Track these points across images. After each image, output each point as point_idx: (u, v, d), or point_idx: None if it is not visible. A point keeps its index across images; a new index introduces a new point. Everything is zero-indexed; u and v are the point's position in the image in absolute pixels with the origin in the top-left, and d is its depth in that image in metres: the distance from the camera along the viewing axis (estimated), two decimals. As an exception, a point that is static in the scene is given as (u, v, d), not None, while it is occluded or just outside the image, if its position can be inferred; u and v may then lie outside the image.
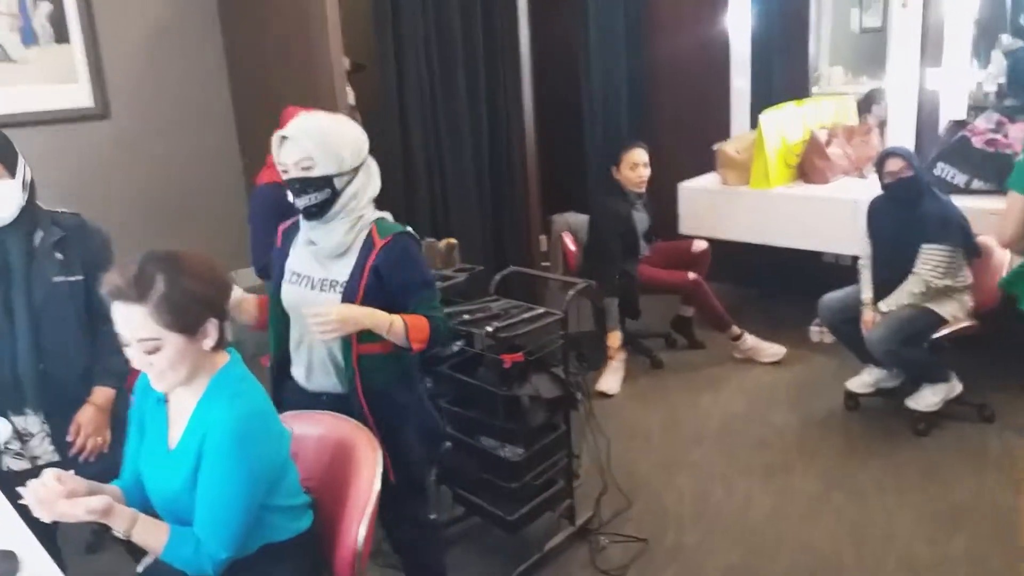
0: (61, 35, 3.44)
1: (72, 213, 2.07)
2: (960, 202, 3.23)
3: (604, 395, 3.65)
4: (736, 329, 3.92)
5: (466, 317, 2.45)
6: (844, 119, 4.36)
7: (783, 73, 4.59)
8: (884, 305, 3.18)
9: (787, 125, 4.11)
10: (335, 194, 1.85)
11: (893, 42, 4.17)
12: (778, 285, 4.64)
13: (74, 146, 3.52)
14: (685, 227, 4.31)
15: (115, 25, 3.57)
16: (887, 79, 4.30)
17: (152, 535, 1.48)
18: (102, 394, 2.05)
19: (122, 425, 2.06)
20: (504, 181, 4.22)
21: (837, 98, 4.45)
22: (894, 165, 3.14)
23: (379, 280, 1.87)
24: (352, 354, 1.89)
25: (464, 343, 2.60)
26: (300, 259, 1.95)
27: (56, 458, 2.02)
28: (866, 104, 4.47)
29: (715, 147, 4.33)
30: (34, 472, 1.48)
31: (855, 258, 3.50)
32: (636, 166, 3.82)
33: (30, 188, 1.97)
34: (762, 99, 4.49)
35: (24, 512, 1.50)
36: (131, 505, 1.57)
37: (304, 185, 1.83)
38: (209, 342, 1.49)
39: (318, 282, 1.91)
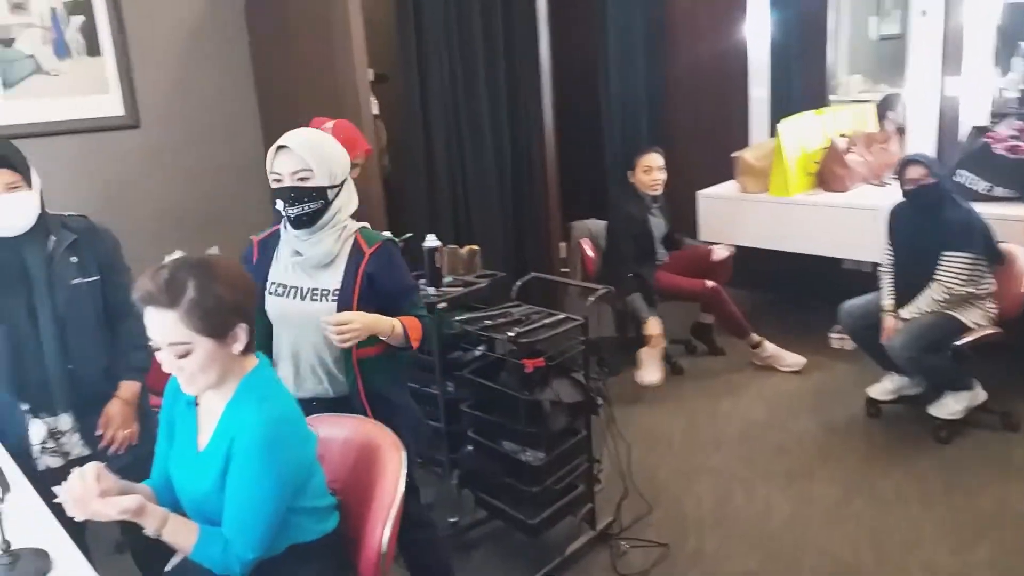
0: (93, 47, 3.52)
1: (79, 215, 2.10)
2: (982, 209, 3.22)
3: (646, 388, 3.70)
4: (755, 337, 3.92)
5: (488, 323, 2.48)
6: (863, 127, 4.36)
7: (802, 81, 4.59)
8: (905, 312, 3.17)
9: (806, 133, 4.11)
10: (326, 205, 1.92)
11: (913, 49, 4.16)
12: (798, 292, 4.63)
13: (105, 155, 3.59)
14: (704, 234, 4.32)
15: (145, 37, 3.64)
16: (907, 86, 4.28)
17: (182, 534, 1.50)
18: (128, 388, 2.12)
19: (146, 417, 2.16)
20: (525, 189, 4.25)
21: (856, 106, 4.44)
22: (915, 172, 3.13)
23: (371, 286, 1.95)
24: (353, 358, 1.96)
25: (486, 348, 2.63)
26: (284, 270, 1.98)
27: (87, 451, 2.07)
28: (881, 111, 4.46)
29: (734, 155, 4.34)
30: (68, 468, 1.51)
31: (875, 265, 3.49)
32: (651, 170, 3.86)
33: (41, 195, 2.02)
34: (781, 107, 4.50)
35: (56, 511, 1.53)
36: (160, 504, 1.60)
37: (300, 194, 1.88)
38: (238, 346, 1.51)
39: (307, 292, 1.96)
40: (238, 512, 1.50)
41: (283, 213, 1.91)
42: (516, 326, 2.43)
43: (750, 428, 3.41)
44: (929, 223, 3.13)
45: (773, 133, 4.27)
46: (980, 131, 3.73)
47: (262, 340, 2.01)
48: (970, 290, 3.10)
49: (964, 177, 3.62)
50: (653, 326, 3.80)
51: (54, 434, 2.05)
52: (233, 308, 1.50)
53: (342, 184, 1.95)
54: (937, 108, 4.10)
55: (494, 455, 2.52)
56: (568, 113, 4.84)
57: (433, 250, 2.54)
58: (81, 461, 1.92)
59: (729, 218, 4.25)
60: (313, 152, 1.90)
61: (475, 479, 2.63)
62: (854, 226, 3.84)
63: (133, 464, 2.12)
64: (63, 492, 1.44)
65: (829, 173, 4.13)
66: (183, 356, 1.46)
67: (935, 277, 3.10)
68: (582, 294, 2.81)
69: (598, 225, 4.13)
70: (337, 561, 1.67)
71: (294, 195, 1.88)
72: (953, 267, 3.07)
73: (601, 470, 2.69)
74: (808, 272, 4.35)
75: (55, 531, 1.57)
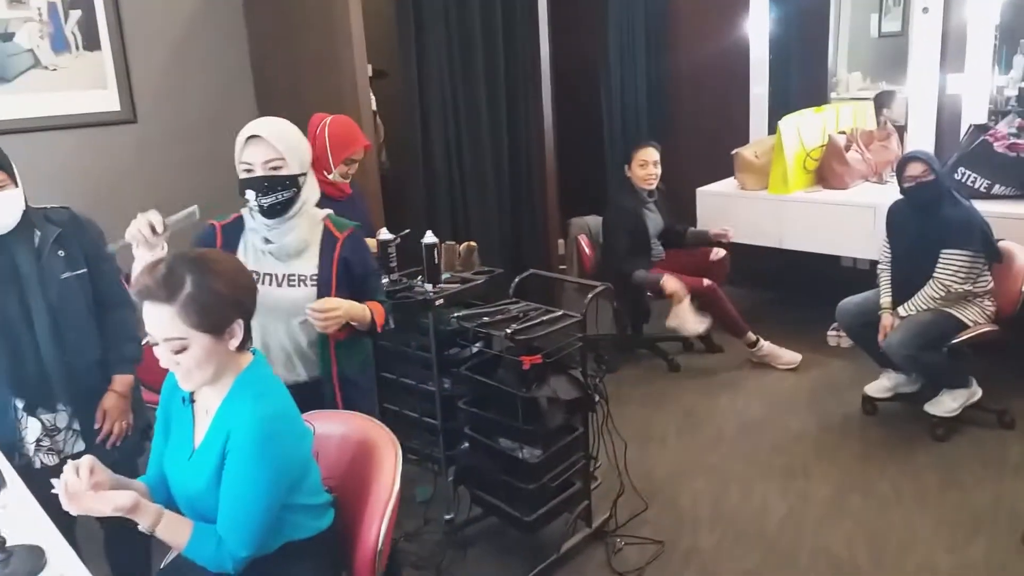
0: (91, 42, 3.51)
1: (61, 207, 2.09)
2: (981, 207, 3.22)
3: (694, 340, 3.90)
4: (752, 335, 3.92)
5: (485, 319, 2.47)
6: (863, 124, 4.35)
7: (802, 79, 4.60)
8: (903, 310, 3.17)
9: (806, 130, 4.11)
10: (298, 193, 1.95)
11: (914, 47, 4.16)
12: (796, 289, 4.63)
13: (102, 150, 3.59)
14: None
15: (144, 33, 3.63)
16: (907, 84, 4.28)
17: (176, 531, 1.50)
18: (122, 381, 2.13)
19: (138, 408, 2.18)
20: (523, 185, 4.25)
21: (856, 103, 4.44)
22: (914, 169, 3.13)
23: (347, 270, 2.02)
24: (330, 342, 2.01)
25: (483, 344, 2.63)
26: (254, 259, 2.00)
27: (82, 447, 2.08)
28: (876, 107, 4.46)
29: (734, 152, 4.34)
30: (62, 465, 1.51)
31: (873, 262, 3.50)
32: (646, 164, 3.87)
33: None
34: (781, 105, 4.50)
35: (49, 507, 1.53)
36: (156, 502, 1.59)
37: (273, 184, 1.91)
38: (235, 342, 1.51)
39: (282, 279, 1.99)
40: (232, 509, 1.49)
41: (254, 203, 1.92)
42: (513, 323, 2.42)
43: (747, 426, 3.41)
44: (928, 221, 3.13)
45: (773, 130, 4.27)
46: (980, 129, 3.73)
47: None
48: (968, 288, 3.10)
49: (964, 175, 3.62)
50: (671, 283, 3.79)
51: (50, 432, 2.05)
52: (231, 304, 1.49)
53: (306, 173, 1.99)
54: (937, 105, 4.10)
55: (491, 452, 2.52)
56: (568, 109, 4.84)
57: (431, 246, 2.54)
58: (73, 458, 1.94)
59: (728, 215, 4.24)
60: (284, 141, 1.93)
61: (471, 476, 2.62)
62: (853, 224, 3.84)
63: (127, 455, 2.15)
64: (60, 485, 1.44)
65: (829, 170, 4.13)
66: (179, 352, 1.46)
67: (934, 275, 3.10)
68: (580, 291, 2.80)
69: (596, 221, 4.14)
70: (332, 559, 1.67)
71: (267, 184, 1.90)
72: (952, 265, 3.07)
73: (597, 467, 2.69)
74: (806, 270, 4.35)
75: (49, 528, 1.57)
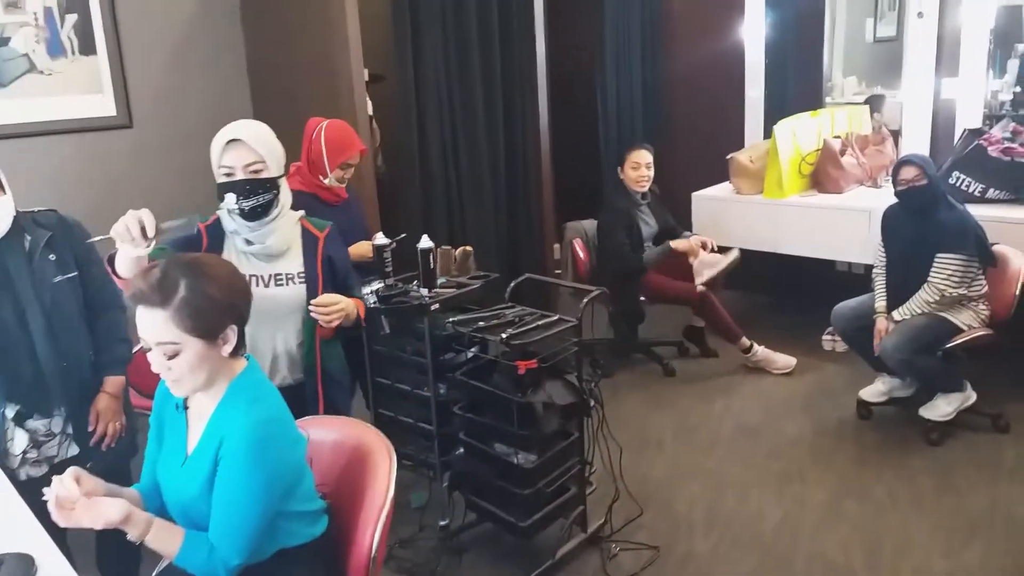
0: (87, 47, 3.51)
1: (48, 210, 2.09)
2: (975, 211, 3.23)
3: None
4: (746, 341, 3.92)
5: (481, 324, 2.47)
6: (858, 128, 4.36)
7: (797, 83, 4.61)
8: (898, 314, 3.18)
9: (801, 134, 4.12)
10: (277, 195, 1.98)
11: (909, 52, 4.18)
12: (791, 294, 4.64)
13: (98, 154, 3.58)
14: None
15: (140, 37, 3.63)
16: (902, 88, 4.30)
17: (166, 540, 1.48)
18: (113, 383, 2.14)
19: (128, 409, 2.21)
20: (519, 189, 4.25)
21: (851, 108, 4.45)
22: (908, 173, 3.13)
23: (331, 267, 2.10)
24: (316, 342, 2.06)
25: (478, 349, 2.63)
26: (236, 260, 2.00)
27: (75, 451, 2.08)
28: (870, 111, 4.48)
29: (729, 156, 4.34)
30: (51, 475, 1.50)
31: (868, 267, 3.50)
32: (638, 166, 3.88)
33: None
34: (776, 109, 4.51)
35: (41, 515, 1.52)
36: (149, 510, 1.59)
37: (255, 187, 1.93)
38: (228, 348, 1.50)
39: (269, 278, 2.03)
40: (225, 515, 1.48)
41: (234, 206, 1.93)
42: (509, 327, 2.42)
43: (742, 430, 3.42)
44: (923, 225, 3.14)
45: (768, 134, 4.27)
46: (974, 133, 3.74)
47: None
48: (963, 292, 3.11)
49: (958, 179, 3.63)
50: (680, 243, 3.85)
51: (37, 442, 2.04)
52: (224, 309, 1.49)
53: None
54: (931, 110, 4.11)
55: (486, 457, 2.52)
56: (564, 113, 4.84)
57: (427, 251, 2.54)
58: (65, 463, 1.93)
59: (724, 220, 4.25)
60: (264, 144, 1.95)
61: (466, 482, 2.62)
62: (848, 228, 3.85)
63: (120, 457, 2.15)
64: (50, 497, 1.42)
65: (824, 175, 4.14)
66: (172, 356, 1.45)
67: (928, 279, 3.11)
68: (576, 295, 2.81)
69: (593, 225, 4.14)
70: (326, 565, 1.65)
71: (249, 187, 1.93)
72: (946, 269, 3.07)
73: (593, 472, 2.69)
74: (802, 274, 4.36)
75: (40, 536, 1.56)
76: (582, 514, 2.64)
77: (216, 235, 2.04)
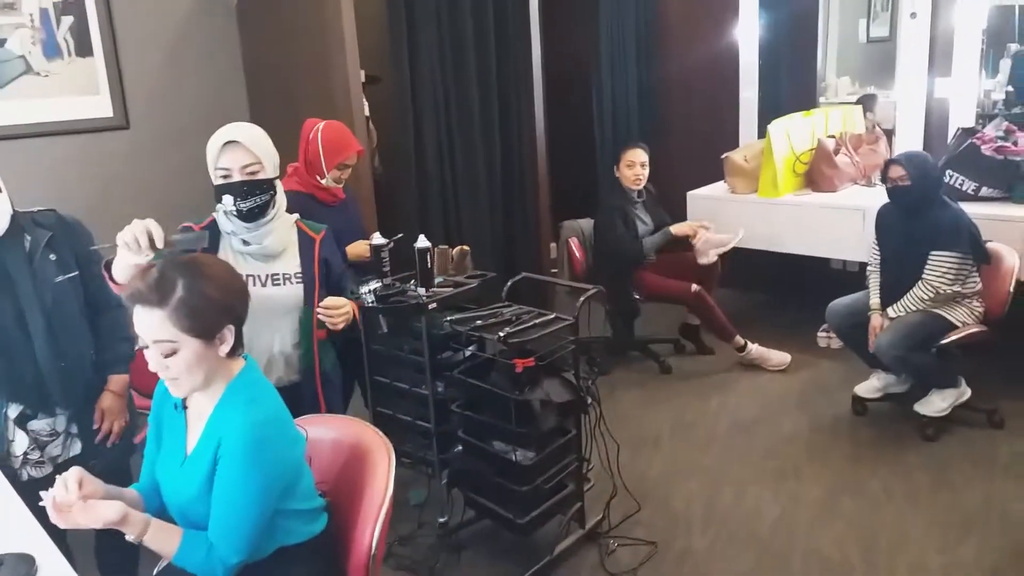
0: (83, 48, 3.51)
1: (47, 210, 2.09)
2: (969, 209, 3.24)
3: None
4: (740, 340, 3.94)
5: (478, 323, 2.48)
6: (852, 128, 4.39)
7: (791, 83, 4.63)
8: (892, 311, 3.20)
9: (795, 134, 4.13)
10: (274, 196, 2.00)
11: (902, 52, 4.20)
12: (786, 292, 4.66)
13: (95, 156, 3.58)
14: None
15: (136, 38, 3.63)
16: (896, 88, 4.32)
17: (164, 540, 1.48)
18: (117, 381, 2.16)
19: (131, 408, 2.22)
20: (515, 189, 4.26)
21: (845, 107, 4.47)
22: (894, 172, 3.18)
23: (327, 269, 2.13)
24: (314, 343, 2.08)
25: (476, 348, 2.64)
26: (233, 260, 2.01)
27: (78, 451, 2.09)
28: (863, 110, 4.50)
29: (724, 156, 4.36)
30: (52, 476, 1.51)
31: (863, 265, 3.52)
32: (633, 164, 3.89)
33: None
34: (770, 109, 4.53)
35: (42, 515, 1.53)
36: (149, 510, 1.60)
37: (252, 188, 1.95)
38: (225, 348, 1.51)
39: (266, 279, 2.04)
40: (223, 515, 1.49)
41: (232, 207, 1.94)
42: (506, 326, 2.43)
43: (738, 427, 3.43)
44: (916, 223, 3.16)
45: (762, 134, 4.29)
46: (967, 132, 3.76)
47: None
48: (957, 289, 3.13)
49: (952, 177, 3.65)
50: (680, 228, 3.89)
51: (40, 443, 2.05)
52: (221, 308, 1.49)
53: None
54: (925, 109, 4.13)
55: (484, 455, 2.53)
56: (560, 113, 4.86)
57: (424, 251, 2.54)
58: (67, 464, 1.94)
59: (719, 219, 4.26)
60: (260, 146, 1.97)
61: (464, 479, 2.63)
62: (842, 226, 3.87)
63: (122, 454, 2.16)
64: (47, 500, 1.43)
65: (818, 174, 4.15)
66: (169, 355, 1.45)
67: (922, 276, 3.13)
68: (572, 294, 2.82)
69: (589, 224, 4.15)
70: (325, 563, 1.66)
71: (247, 189, 1.94)
72: (940, 267, 3.09)
73: (590, 469, 2.70)
74: (797, 272, 4.37)
75: (40, 536, 1.56)
76: (580, 510, 2.64)
77: (212, 237, 2.03)
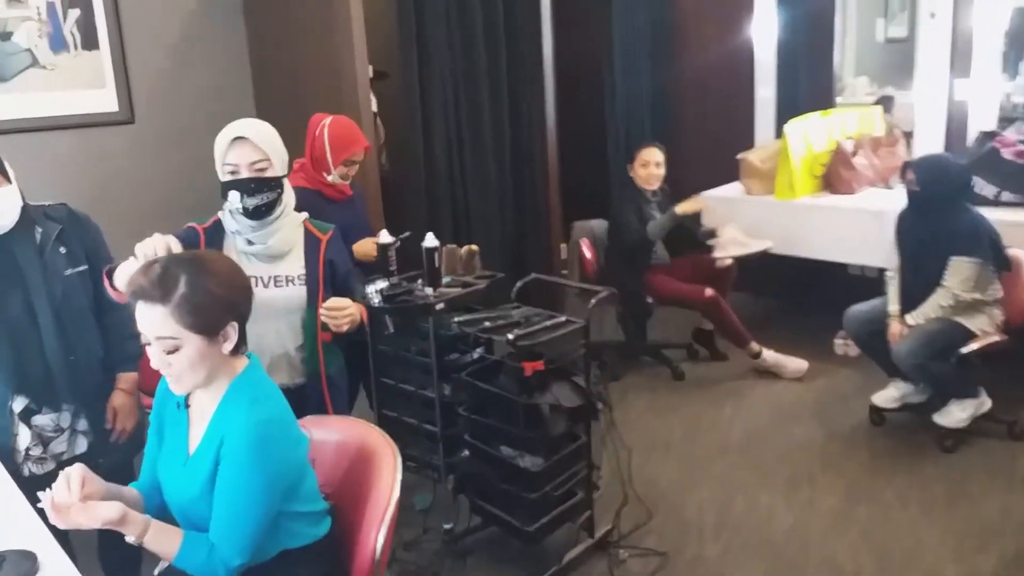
0: (90, 42, 3.49)
1: (58, 204, 2.09)
2: (989, 214, 3.18)
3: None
4: (755, 346, 3.88)
5: (487, 324, 2.44)
6: (870, 129, 4.33)
7: (808, 83, 4.57)
8: (911, 318, 3.14)
9: (812, 135, 4.08)
10: (281, 194, 1.97)
11: (921, 52, 4.14)
12: (803, 296, 4.59)
13: (100, 150, 3.57)
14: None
15: (142, 33, 3.62)
16: (914, 89, 4.26)
17: (165, 541, 1.47)
18: (127, 379, 2.15)
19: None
20: (525, 188, 4.22)
21: (863, 108, 4.42)
22: (906, 175, 3.17)
23: (333, 271, 2.09)
24: (319, 344, 2.05)
25: (484, 350, 2.59)
26: (237, 260, 1.96)
27: (83, 448, 2.08)
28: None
29: (739, 156, 4.31)
30: (55, 473, 1.49)
31: (881, 270, 3.46)
32: (648, 164, 3.85)
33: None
34: (787, 109, 4.48)
35: (43, 513, 1.51)
36: (149, 509, 1.59)
37: (260, 185, 1.92)
38: (228, 345, 1.49)
39: (269, 280, 2.01)
40: (225, 515, 1.47)
41: (238, 205, 1.92)
42: (515, 328, 2.39)
43: (752, 434, 3.38)
44: (936, 228, 3.10)
45: (779, 135, 4.24)
46: (988, 136, 3.71)
47: None
48: (977, 296, 3.07)
49: (972, 182, 3.58)
50: (687, 205, 3.79)
51: (44, 439, 2.03)
52: (225, 305, 1.48)
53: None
54: (945, 112, 4.07)
55: (491, 460, 2.49)
56: (571, 112, 4.81)
57: (432, 250, 2.50)
58: (73, 461, 1.90)
59: (733, 220, 4.20)
60: (269, 142, 1.94)
61: (471, 484, 2.59)
62: (860, 230, 3.81)
63: (130, 452, 2.15)
64: (46, 500, 1.41)
65: (835, 176, 4.10)
66: (171, 352, 1.44)
67: (941, 282, 3.07)
68: (583, 296, 2.77)
69: (601, 225, 4.10)
70: (329, 567, 1.64)
71: (254, 186, 1.92)
72: (960, 273, 3.03)
73: (600, 476, 2.66)
74: (813, 276, 4.31)
75: (42, 533, 1.56)
76: (589, 519, 2.60)
77: (214, 237, 2.03)
